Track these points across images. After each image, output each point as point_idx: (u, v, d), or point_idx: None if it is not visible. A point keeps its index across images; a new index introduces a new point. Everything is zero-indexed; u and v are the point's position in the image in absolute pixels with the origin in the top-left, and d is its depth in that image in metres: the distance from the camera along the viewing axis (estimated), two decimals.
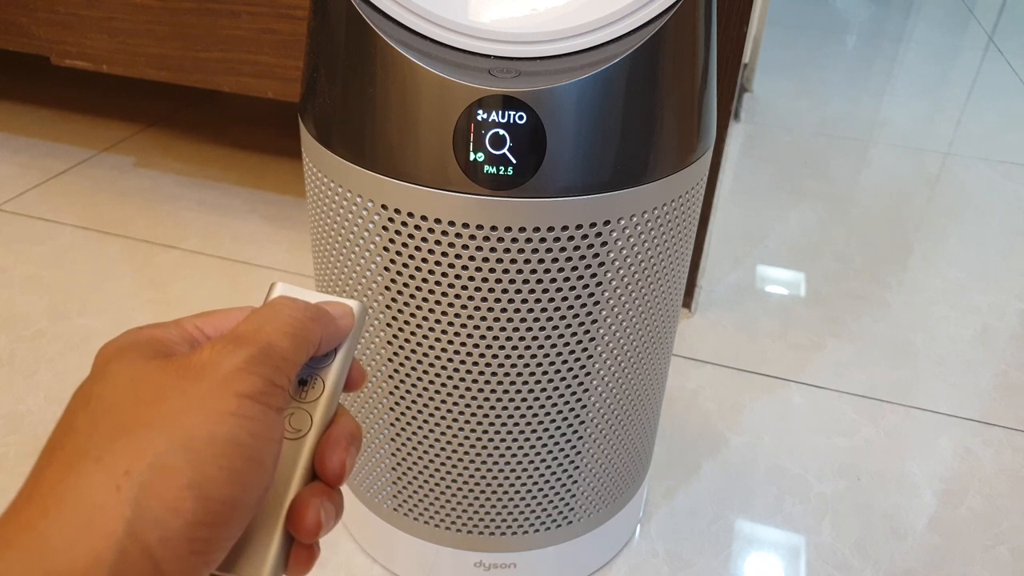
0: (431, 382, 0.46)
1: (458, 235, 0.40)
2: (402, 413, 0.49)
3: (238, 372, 0.21)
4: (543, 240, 0.40)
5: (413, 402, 0.48)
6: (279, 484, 0.23)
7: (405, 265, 0.42)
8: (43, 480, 0.19)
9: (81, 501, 0.18)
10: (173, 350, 0.22)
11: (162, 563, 0.18)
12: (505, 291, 0.42)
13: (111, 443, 0.19)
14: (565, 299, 0.43)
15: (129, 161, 1.18)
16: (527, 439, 0.48)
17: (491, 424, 0.47)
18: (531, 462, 0.49)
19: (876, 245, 1.09)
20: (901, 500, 0.69)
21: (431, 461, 0.50)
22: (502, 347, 0.44)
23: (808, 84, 1.69)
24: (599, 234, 0.41)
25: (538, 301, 0.42)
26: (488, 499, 0.51)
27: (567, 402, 0.47)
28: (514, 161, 0.38)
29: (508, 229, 0.40)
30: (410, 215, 0.41)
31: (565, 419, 0.48)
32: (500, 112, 0.37)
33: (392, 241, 0.42)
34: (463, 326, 0.43)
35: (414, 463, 0.51)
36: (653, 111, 0.41)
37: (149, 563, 0.18)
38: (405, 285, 0.43)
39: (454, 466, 0.50)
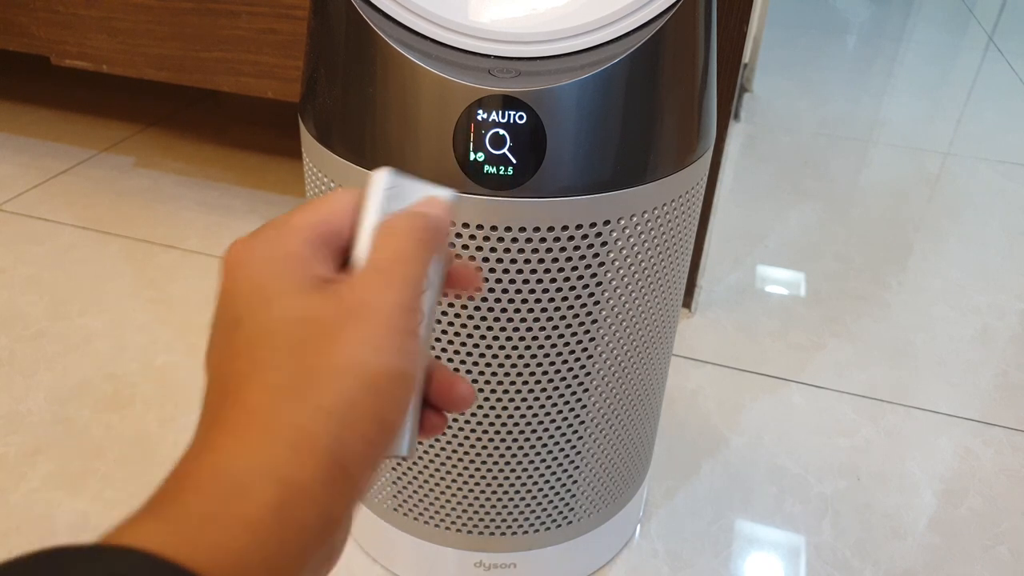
0: None
1: (458, 235, 0.40)
2: None
3: (397, 310, 0.24)
4: (543, 240, 0.40)
5: None
6: None
7: None
8: (247, 404, 0.23)
9: (293, 432, 0.22)
10: (315, 272, 0.25)
11: (356, 479, 0.22)
12: (505, 291, 0.42)
13: (310, 385, 0.23)
14: (565, 299, 0.43)
15: (129, 161, 1.18)
16: (527, 439, 0.48)
17: (491, 424, 0.47)
18: (531, 462, 0.49)
19: (876, 245, 1.09)
20: (901, 500, 0.69)
21: (431, 461, 0.50)
22: (502, 347, 0.44)
23: (808, 84, 1.69)
24: (599, 234, 0.41)
25: (538, 301, 0.42)
26: (488, 499, 0.51)
27: (567, 402, 0.47)
28: (514, 161, 0.38)
29: (508, 229, 0.40)
30: None
31: (565, 419, 0.48)
32: (500, 112, 0.37)
33: None
34: (463, 326, 0.43)
35: (414, 463, 0.51)
36: (653, 111, 0.41)
37: (347, 480, 0.22)
38: None
39: (454, 466, 0.50)
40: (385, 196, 0.27)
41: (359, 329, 0.24)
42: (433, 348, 0.45)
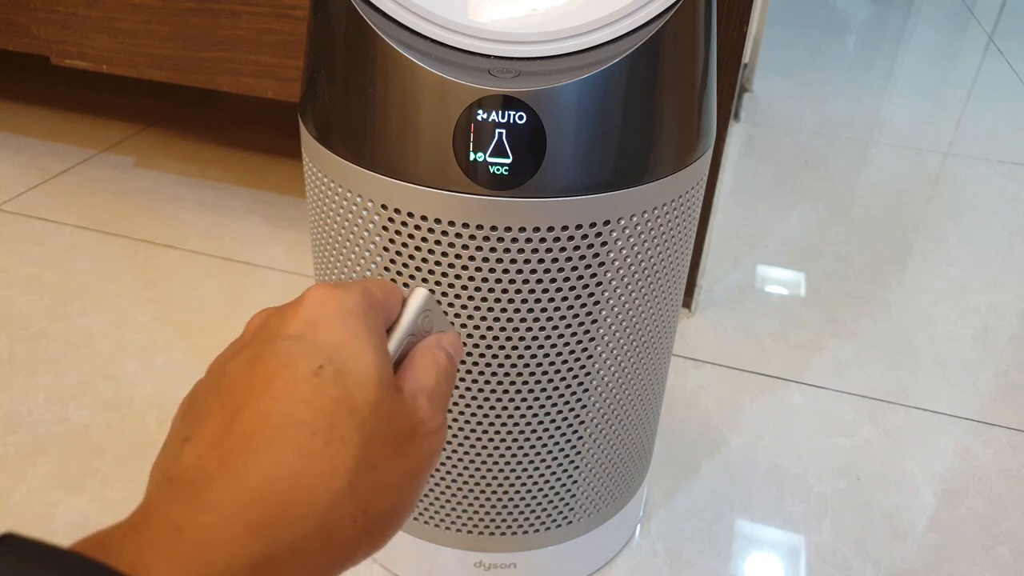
0: None
1: (458, 235, 0.40)
2: None
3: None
4: (543, 240, 0.40)
5: None
6: None
7: (405, 265, 0.42)
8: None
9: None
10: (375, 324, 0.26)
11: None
12: (505, 291, 0.42)
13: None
14: (565, 299, 0.43)
15: (129, 161, 1.18)
16: (527, 439, 0.48)
17: (491, 424, 0.47)
18: (531, 462, 0.49)
19: (876, 245, 1.09)
20: (901, 500, 0.69)
21: None
22: (502, 347, 0.44)
23: (808, 84, 1.69)
24: (599, 234, 0.41)
25: (538, 301, 0.42)
26: (488, 499, 0.51)
27: (567, 402, 0.47)
28: (514, 161, 0.38)
29: (508, 229, 0.40)
30: (410, 215, 0.41)
31: (565, 419, 0.48)
32: (500, 112, 0.37)
33: (392, 241, 0.42)
34: (463, 326, 0.43)
35: None
36: (653, 111, 0.41)
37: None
38: (405, 285, 0.43)
39: (454, 466, 0.50)
40: (418, 314, 0.29)
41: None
42: None
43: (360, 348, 0.24)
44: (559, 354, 0.45)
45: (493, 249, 0.40)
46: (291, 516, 0.20)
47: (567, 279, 0.42)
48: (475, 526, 0.53)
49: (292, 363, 0.22)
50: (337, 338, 0.24)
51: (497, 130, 0.38)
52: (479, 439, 0.48)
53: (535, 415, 0.47)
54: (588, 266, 0.42)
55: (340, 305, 0.25)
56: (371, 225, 0.42)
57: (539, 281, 0.42)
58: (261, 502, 0.20)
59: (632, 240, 0.43)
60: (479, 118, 0.37)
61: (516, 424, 0.47)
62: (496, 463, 0.49)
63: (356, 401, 0.22)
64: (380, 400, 0.23)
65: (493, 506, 0.52)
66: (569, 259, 0.41)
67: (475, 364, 0.45)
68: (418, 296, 0.29)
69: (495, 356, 0.44)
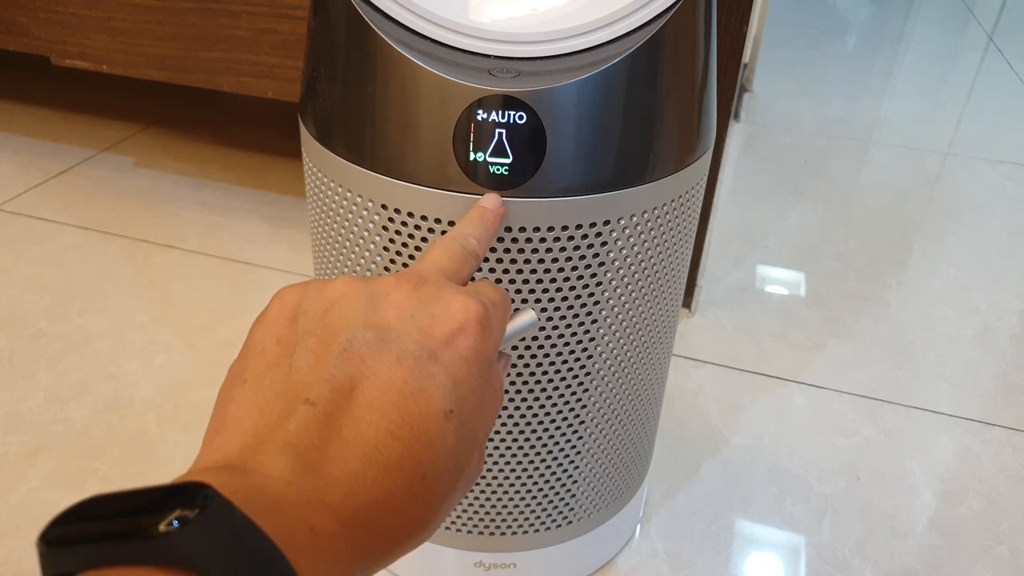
0: None
1: None
2: None
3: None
4: (543, 240, 0.40)
5: None
6: None
7: (405, 265, 0.42)
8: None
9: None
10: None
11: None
12: (505, 291, 0.42)
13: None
14: (565, 299, 0.43)
15: (129, 161, 1.18)
16: (527, 439, 0.48)
17: None
18: (531, 462, 0.49)
19: (876, 245, 1.09)
20: (901, 500, 0.69)
21: None
22: None
23: (808, 84, 1.69)
24: (599, 234, 0.41)
25: (538, 301, 0.42)
26: (488, 499, 0.51)
27: (567, 402, 0.47)
28: (514, 161, 0.38)
29: (508, 229, 0.40)
30: (410, 215, 0.41)
31: (565, 419, 0.48)
32: (500, 112, 0.37)
33: (392, 241, 0.42)
34: None
35: None
36: (653, 111, 0.41)
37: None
38: None
39: None
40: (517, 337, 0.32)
41: None
42: None
43: (481, 410, 0.25)
44: (559, 354, 0.45)
45: (493, 249, 0.40)
46: (385, 525, 0.22)
47: (567, 279, 0.42)
48: (475, 526, 0.53)
49: (430, 392, 0.23)
50: (471, 388, 0.24)
51: (497, 130, 0.38)
52: None
53: (535, 415, 0.47)
54: (588, 266, 0.42)
55: (489, 350, 0.26)
56: (371, 225, 0.42)
57: (539, 281, 0.42)
58: (358, 525, 0.21)
59: (632, 240, 0.43)
60: (479, 118, 0.37)
61: (516, 424, 0.47)
62: (496, 463, 0.49)
63: (462, 457, 0.24)
64: (477, 467, 0.26)
65: (493, 506, 0.52)
66: (569, 259, 0.41)
67: None
68: (528, 321, 0.31)
69: None
